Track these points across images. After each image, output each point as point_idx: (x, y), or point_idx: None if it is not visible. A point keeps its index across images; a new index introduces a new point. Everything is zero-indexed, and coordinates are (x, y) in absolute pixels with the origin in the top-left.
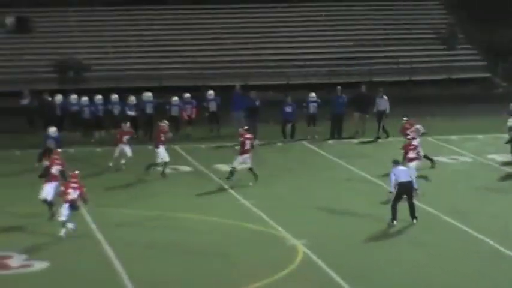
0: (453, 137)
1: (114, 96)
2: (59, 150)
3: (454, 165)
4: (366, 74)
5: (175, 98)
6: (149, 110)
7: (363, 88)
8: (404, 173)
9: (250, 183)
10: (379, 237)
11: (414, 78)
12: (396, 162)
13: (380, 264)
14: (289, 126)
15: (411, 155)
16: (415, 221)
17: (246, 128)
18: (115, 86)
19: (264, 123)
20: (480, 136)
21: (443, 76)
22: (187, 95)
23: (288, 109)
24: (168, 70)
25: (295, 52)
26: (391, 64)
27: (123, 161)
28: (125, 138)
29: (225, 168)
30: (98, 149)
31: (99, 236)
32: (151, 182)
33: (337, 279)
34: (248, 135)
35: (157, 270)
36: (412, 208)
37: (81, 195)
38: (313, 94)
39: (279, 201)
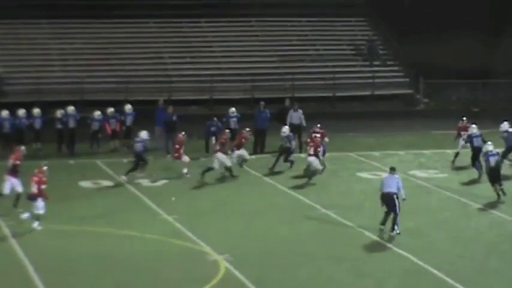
0: (375, 153)
1: (36, 110)
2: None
3: (376, 181)
4: (289, 90)
5: (98, 113)
6: (72, 124)
7: (287, 102)
8: (388, 182)
9: (173, 198)
10: (302, 252)
11: (337, 94)
12: (392, 169)
13: (301, 280)
14: (213, 140)
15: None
16: (393, 232)
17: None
18: (36, 100)
19: (188, 138)
20: (401, 152)
21: (366, 92)
22: (112, 109)
23: (213, 129)
24: (91, 84)
25: (218, 67)
26: (314, 80)
27: (186, 170)
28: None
29: (146, 182)
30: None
31: (20, 252)
32: (73, 197)
33: None
34: None
35: (78, 285)
36: (393, 218)
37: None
38: (233, 109)
39: (202, 216)
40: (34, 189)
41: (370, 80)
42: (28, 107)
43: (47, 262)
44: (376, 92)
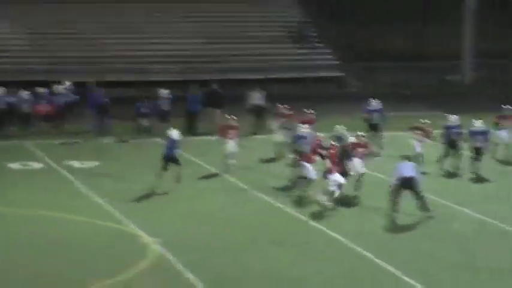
0: None
1: None
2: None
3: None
4: (221, 72)
5: (26, 93)
6: (2, 105)
7: (215, 85)
8: (407, 167)
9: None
10: (239, 237)
11: (269, 76)
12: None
13: (238, 264)
14: (144, 123)
15: None
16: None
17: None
18: None
19: (119, 120)
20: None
21: (298, 74)
22: (43, 89)
23: (144, 110)
24: (23, 65)
25: (150, 49)
26: (245, 62)
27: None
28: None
29: (77, 164)
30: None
31: None
32: (1, 179)
33: (192, 278)
34: None
35: (7, 270)
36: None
37: None
38: (166, 91)
39: (133, 199)
40: (328, 164)
41: (302, 63)
42: None
43: None
44: (308, 75)
